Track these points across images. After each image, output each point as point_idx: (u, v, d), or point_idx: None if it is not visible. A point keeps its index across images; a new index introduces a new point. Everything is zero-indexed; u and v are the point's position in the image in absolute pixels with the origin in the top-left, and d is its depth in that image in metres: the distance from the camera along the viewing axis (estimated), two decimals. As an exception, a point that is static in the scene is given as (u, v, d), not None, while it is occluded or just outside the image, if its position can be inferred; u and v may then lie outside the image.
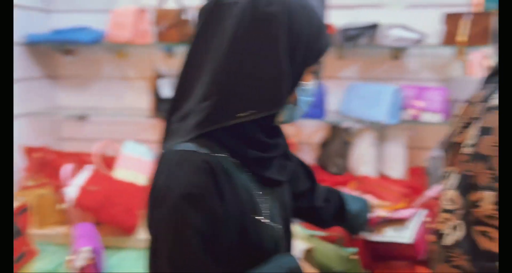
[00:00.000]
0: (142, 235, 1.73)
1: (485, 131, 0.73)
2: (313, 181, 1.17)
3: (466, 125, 0.79)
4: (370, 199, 1.74)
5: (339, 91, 2.26)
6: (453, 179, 0.77)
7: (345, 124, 2.22)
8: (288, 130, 2.10)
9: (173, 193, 0.71)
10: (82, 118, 2.44)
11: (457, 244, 0.72)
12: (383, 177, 2.14)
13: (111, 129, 2.46)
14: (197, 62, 0.78)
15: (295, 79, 0.79)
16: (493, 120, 0.72)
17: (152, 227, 0.76)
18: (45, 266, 1.54)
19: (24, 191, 1.88)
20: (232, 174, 0.76)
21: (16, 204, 1.36)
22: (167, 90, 2.14)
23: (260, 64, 0.73)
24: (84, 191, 1.68)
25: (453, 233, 0.73)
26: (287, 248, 0.93)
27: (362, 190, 1.84)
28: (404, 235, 1.24)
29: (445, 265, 0.73)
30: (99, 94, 2.46)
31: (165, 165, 0.75)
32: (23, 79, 2.22)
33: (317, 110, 2.12)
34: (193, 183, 0.71)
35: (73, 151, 2.33)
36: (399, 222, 1.31)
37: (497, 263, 0.68)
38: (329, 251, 1.36)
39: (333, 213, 1.18)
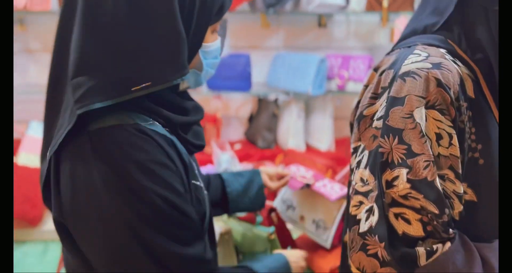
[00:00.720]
0: (49, 225, 1.56)
1: (394, 101, 0.65)
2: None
3: (375, 96, 0.71)
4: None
5: (264, 62, 2.16)
6: (364, 157, 0.69)
7: (272, 96, 2.14)
8: (215, 104, 1.95)
9: (129, 176, 0.61)
10: (-20, 97, 2.16)
11: (371, 230, 0.64)
12: (311, 149, 2.10)
13: (14, 108, 2.20)
14: (73, 30, 0.64)
15: (196, 41, 0.69)
16: (402, 89, 0.65)
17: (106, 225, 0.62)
18: None
19: None
20: (170, 141, 0.69)
21: None
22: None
23: (151, 27, 0.61)
24: (-28, 181, 1.47)
25: (368, 218, 0.65)
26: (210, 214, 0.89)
27: (287, 164, 1.77)
28: (323, 238, 1.18)
29: (361, 253, 0.65)
30: (-2, 70, 2.18)
31: (95, 152, 0.63)
32: None
33: (243, 82, 2.00)
34: (146, 157, 0.62)
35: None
36: (319, 199, 1.25)
37: (417, 248, 0.61)
38: (247, 232, 1.29)
39: (216, 200, 1.10)
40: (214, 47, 0.73)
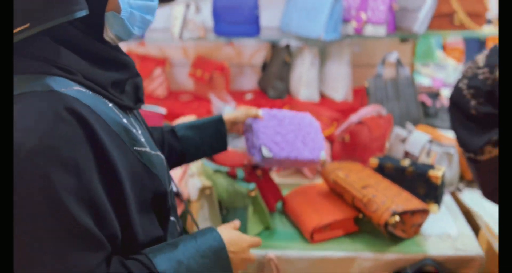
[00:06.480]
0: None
1: None
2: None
3: None
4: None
5: (278, 4, 1.99)
6: None
7: (283, 42, 1.98)
8: (227, 51, 1.82)
9: (23, 149, 0.52)
10: None
11: None
12: (325, 100, 1.97)
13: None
14: None
15: None
16: None
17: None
18: None
19: None
20: (97, 110, 0.60)
21: None
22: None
23: None
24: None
25: None
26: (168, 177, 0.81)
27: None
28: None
29: None
30: None
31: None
32: None
33: (250, 26, 1.86)
34: (51, 134, 0.53)
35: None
36: None
37: None
38: (229, 187, 1.25)
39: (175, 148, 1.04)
40: None
